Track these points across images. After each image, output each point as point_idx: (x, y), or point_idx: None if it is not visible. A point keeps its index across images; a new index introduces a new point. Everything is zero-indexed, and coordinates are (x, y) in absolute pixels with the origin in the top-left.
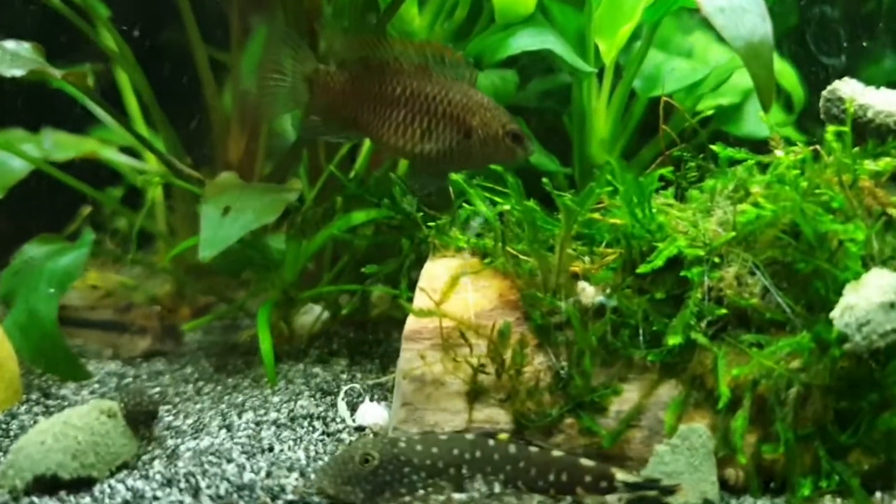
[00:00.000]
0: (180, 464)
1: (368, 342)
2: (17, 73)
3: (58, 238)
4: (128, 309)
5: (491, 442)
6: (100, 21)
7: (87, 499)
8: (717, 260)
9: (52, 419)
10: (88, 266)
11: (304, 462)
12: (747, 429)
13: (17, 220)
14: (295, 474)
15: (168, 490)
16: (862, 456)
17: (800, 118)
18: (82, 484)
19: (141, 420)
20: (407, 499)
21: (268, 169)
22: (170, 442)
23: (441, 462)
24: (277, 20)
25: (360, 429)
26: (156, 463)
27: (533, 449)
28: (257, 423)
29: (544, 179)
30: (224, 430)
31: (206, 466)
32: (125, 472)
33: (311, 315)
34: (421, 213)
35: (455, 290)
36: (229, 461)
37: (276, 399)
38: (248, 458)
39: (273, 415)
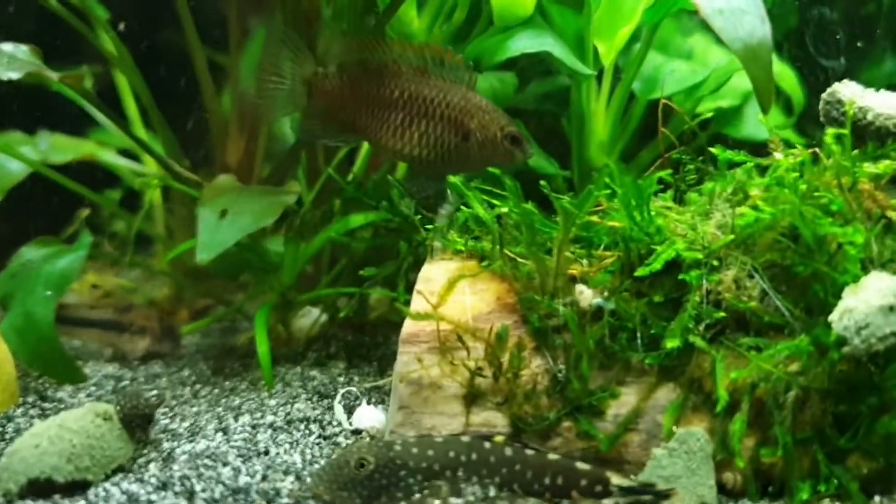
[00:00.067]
0: (176, 467)
1: (366, 345)
2: (14, 75)
3: (55, 241)
4: (128, 309)
5: (487, 445)
6: (98, 23)
7: (82, 502)
8: (715, 263)
9: (47, 422)
10: (86, 268)
11: (300, 466)
12: (745, 432)
13: (14, 223)
14: (291, 478)
15: (163, 493)
16: (861, 460)
17: (799, 120)
18: (77, 487)
19: (137, 423)
20: (403, 503)
21: (266, 171)
22: (166, 445)
23: (437, 465)
24: (276, 22)
25: (356, 432)
26: (151, 466)
27: (529, 452)
28: (254, 427)
29: (542, 182)
30: (220, 434)
31: (202, 470)
32: (120, 475)
33: (309, 318)
34: (419, 216)
35: (452, 293)
36: (225, 464)
37: (272, 402)
38: (243, 462)
39: (269, 418)
